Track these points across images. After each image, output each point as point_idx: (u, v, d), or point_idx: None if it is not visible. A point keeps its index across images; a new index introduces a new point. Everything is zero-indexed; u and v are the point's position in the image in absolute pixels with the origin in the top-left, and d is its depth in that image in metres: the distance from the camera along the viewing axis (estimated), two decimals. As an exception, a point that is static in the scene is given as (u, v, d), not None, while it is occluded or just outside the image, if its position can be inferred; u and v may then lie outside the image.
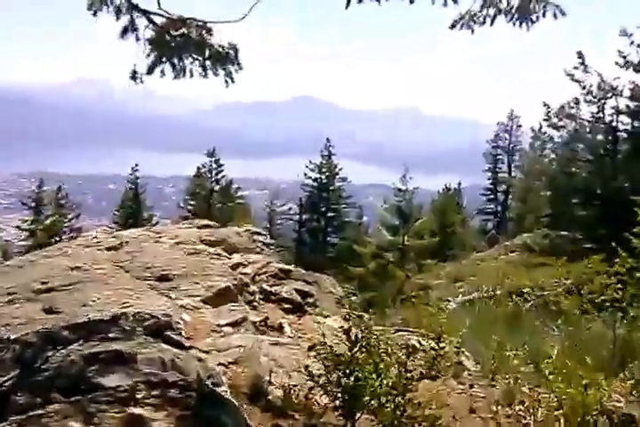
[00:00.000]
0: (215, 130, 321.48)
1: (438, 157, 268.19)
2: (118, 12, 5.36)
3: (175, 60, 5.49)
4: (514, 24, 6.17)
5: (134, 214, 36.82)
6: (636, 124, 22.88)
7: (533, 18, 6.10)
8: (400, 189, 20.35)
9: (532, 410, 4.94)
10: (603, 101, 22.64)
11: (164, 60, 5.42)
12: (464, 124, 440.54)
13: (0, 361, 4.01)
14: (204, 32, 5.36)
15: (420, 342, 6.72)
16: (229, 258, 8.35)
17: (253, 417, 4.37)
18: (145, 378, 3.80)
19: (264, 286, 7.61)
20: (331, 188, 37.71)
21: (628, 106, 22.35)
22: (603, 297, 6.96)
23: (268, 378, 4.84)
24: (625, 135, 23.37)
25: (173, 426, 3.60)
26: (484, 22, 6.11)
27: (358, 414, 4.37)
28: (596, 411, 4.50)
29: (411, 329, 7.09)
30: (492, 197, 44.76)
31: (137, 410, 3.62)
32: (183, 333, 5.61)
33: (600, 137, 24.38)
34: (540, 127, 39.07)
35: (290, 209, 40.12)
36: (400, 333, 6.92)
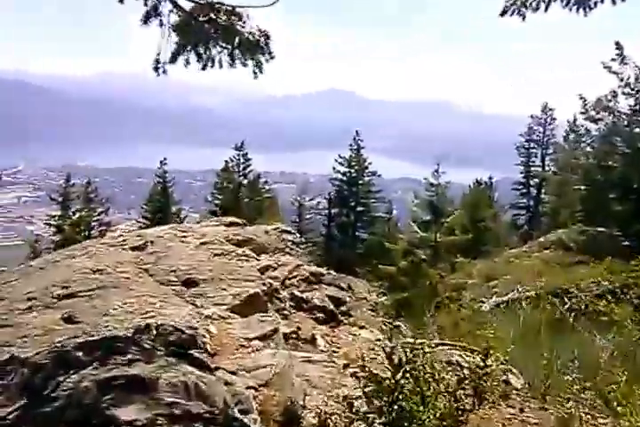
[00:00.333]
0: (243, 123, 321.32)
1: (468, 151, 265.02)
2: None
3: (201, 49, 5.02)
4: (570, 9, 5.66)
5: (162, 208, 36.61)
6: (675, 116, 22.05)
7: (591, 3, 5.60)
8: (432, 184, 19.69)
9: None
10: (641, 94, 21.82)
11: (188, 48, 4.96)
12: (494, 117, 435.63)
13: (6, 387, 3.62)
14: (233, 18, 4.89)
15: (463, 358, 6.25)
16: (258, 259, 7.93)
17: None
18: (166, 410, 3.38)
19: (295, 291, 7.17)
20: (360, 182, 37.09)
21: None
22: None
23: (301, 402, 4.40)
24: (664, 128, 22.53)
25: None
26: (537, 8, 5.61)
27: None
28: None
29: (452, 343, 6.59)
30: (524, 191, 43.73)
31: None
32: (209, 347, 5.21)
33: (638, 130, 23.59)
34: (575, 120, 38.17)
35: (318, 204, 39.60)
36: (441, 347, 6.42)
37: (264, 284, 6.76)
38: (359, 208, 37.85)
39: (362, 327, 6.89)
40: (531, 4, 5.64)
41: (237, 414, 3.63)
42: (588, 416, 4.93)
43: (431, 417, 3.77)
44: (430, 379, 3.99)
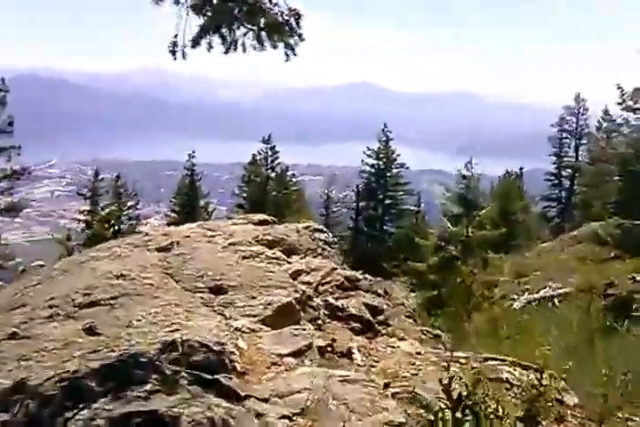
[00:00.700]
0: (269, 116, 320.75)
1: (495, 142, 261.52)
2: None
3: (225, 31, 4.52)
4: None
5: (190, 202, 36.44)
6: None
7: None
8: (464, 176, 19.01)
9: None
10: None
11: (211, 30, 4.46)
12: (522, 108, 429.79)
13: (9, 424, 3.22)
14: None
15: (513, 375, 5.76)
16: (289, 262, 7.50)
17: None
18: (189, 455, 2.96)
19: (329, 299, 6.73)
20: (388, 174, 36.54)
21: None
22: None
23: (341, 433, 3.96)
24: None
25: None
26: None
27: None
28: None
29: (501, 357, 6.08)
30: (556, 182, 42.75)
31: None
32: (238, 366, 4.79)
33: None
34: (607, 111, 37.11)
35: (345, 196, 39.13)
36: (489, 362, 5.92)
37: (296, 291, 6.32)
38: (387, 201, 37.30)
39: (401, 339, 6.42)
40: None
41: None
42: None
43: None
44: (493, 416, 3.51)
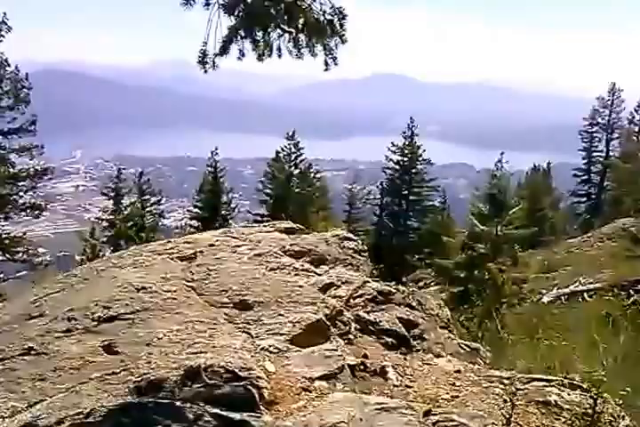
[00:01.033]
0: (293, 110, 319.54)
1: (521, 134, 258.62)
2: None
3: (258, 34, 4.09)
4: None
5: (214, 198, 36.32)
6: None
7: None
8: (494, 175, 18.59)
9: None
10: None
11: (242, 33, 4.03)
12: (548, 98, 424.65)
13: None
14: None
15: (562, 397, 5.34)
16: (318, 274, 7.14)
17: None
18: None
19: (361, 313, 6.36)
20: (413, 171, 36.05)
21: None
22: None
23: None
24: None
25: None
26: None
27: None
28: None
29: (547, 378, 5.65)
30: (585, 177, 41.83)
31: None
32: (266, 393, 4.45)
33: None
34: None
35: (370, 192, 38.72)
36: (534, 383, 5.50)
37: (327, 306, 5.97)
38: (412, 197, 36.82)
39: (438, 355, 6.04)
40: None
41: None
42: None
43: None
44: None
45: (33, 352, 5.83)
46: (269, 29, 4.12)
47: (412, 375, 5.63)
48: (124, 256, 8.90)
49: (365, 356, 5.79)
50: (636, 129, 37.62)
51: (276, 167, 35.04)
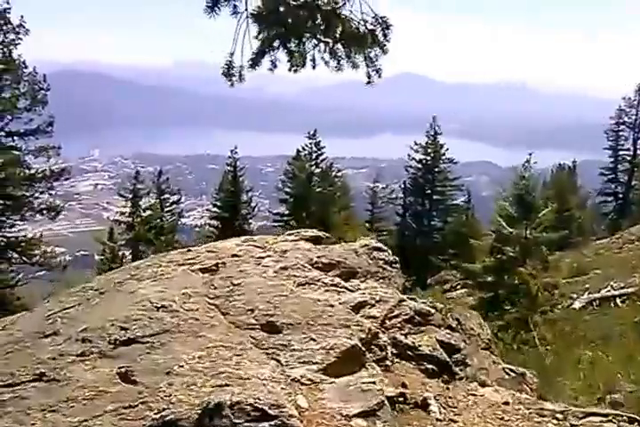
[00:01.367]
0: (313, 108, 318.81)
1: (544, 132, 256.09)
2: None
3: (292, 44, 3.62)
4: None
5: (234, 197, 36.08)
6: None
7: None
8: (523, 177, 18.01)
9: None
10: None
11: (275, 44, 3.56)
12: (572, 97, 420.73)
13: None
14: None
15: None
16: (350, 290, 6.64)
17: None
18: None
19: (398, 336, 5.85)
20: (436, 170, 35.46)
21: None
22: None
23: None
24: None
25: None
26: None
27: None
28: None
29: (604, 412, 5.11)
30: (612, 176, 40.99)
31: None
32: (299, 437, 3.97)
33: None
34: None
35: (392, 191, 38.22)
36: (590, 418, 4.97)
37: (362, 330, 5.46)
38: (435, 196, 36.26)
39: (483, 384, 5.51)
40: None
41: None
42: None
43: None
44: None
45: (45, 378, 5.39)
46: (304, 39, 3.63)
47: (456, 408, 5.13)
48: (142, 267, 8.47)
49: (404, 385, 5.30)
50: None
51: (296, 166, 34.65)
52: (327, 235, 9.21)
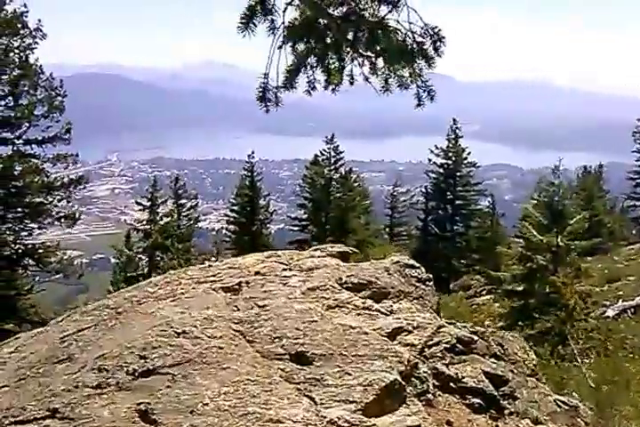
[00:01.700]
0: (330, 112, 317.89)
1: (568, 133, 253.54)
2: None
3: (331, 60, 3.18)
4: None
5: (251, 202, 35.85)
6: None
7: None
8: (552, 183, 17.49)
9: None
10: None
11: (312, 60, 3.13)
12: (591, 96, 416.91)
13: None
14: (384, 8, 3.04)
15: None
16: (383, 314, 6.18)
17: None
18: None
19: (439, 366, 5.37)
20: (458, 174, 34.81)
21: None
22: None
23: None
24: None
25: None
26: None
27: None
28: None
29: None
30: (640, 180, 40.00)
31: None
32: None
33: None
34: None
35: (412, 197, 37.71)
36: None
37: (400, 361, 4.99)
38: (457, 201, 35.64)
39: (536, 421, 5.03)
40: None
41: None
42: None
43: None
44: None
45: (58, 415, 4.96)
46: (344, 55, 3.18)
47: (508, 451, 4.66)
48: (160, 284, 8.06)
49: (450, 423, 4.83)
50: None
51: (314, 171, 34.27)
52: (354, 250, 8.79)
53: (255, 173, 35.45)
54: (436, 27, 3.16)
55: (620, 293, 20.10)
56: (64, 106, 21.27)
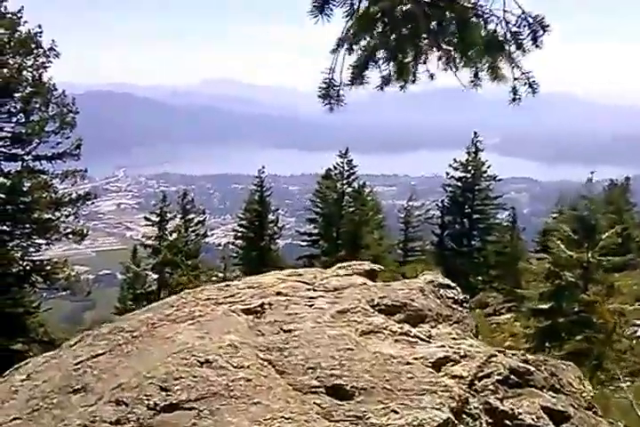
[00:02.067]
0: (344, 126, 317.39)
1: (591, 146, 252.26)
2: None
3: (405, 54, 2.72)
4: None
5: (259, 217, 35.52)
6: None
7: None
8: (584, 196, 16.97)
9: None
10: None
11: (382, 54, 2.68)
12: (621, 109, 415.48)
13: None
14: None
15: None
16: (423, 340, 5.67)
17: None
18: None
19: (491, 400, 4.83)
20: (476, 187, 34.19)
21: None
22: None
23: None
24: None
25: None
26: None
27: None
28: None
29: None
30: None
31: None
32: None
33: None
34: None
35: (428, 211, 37.12)
36: None
37: (451, 396, 4.46)
38: (475, 216, 34.99)
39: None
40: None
41: None
42: None
43: None
44: None
45: (75, 460, 4.50)
46: (422, 48, 2.73)
47: None
48: (177, 305, 7.56)
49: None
50: None
51: (326, 185, 33.87)
52: (382, 268, 8.29)
53: (264, 189, 35.17)
54: (539, 15, 2.71)
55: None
56: (75, 122, 21.29)
